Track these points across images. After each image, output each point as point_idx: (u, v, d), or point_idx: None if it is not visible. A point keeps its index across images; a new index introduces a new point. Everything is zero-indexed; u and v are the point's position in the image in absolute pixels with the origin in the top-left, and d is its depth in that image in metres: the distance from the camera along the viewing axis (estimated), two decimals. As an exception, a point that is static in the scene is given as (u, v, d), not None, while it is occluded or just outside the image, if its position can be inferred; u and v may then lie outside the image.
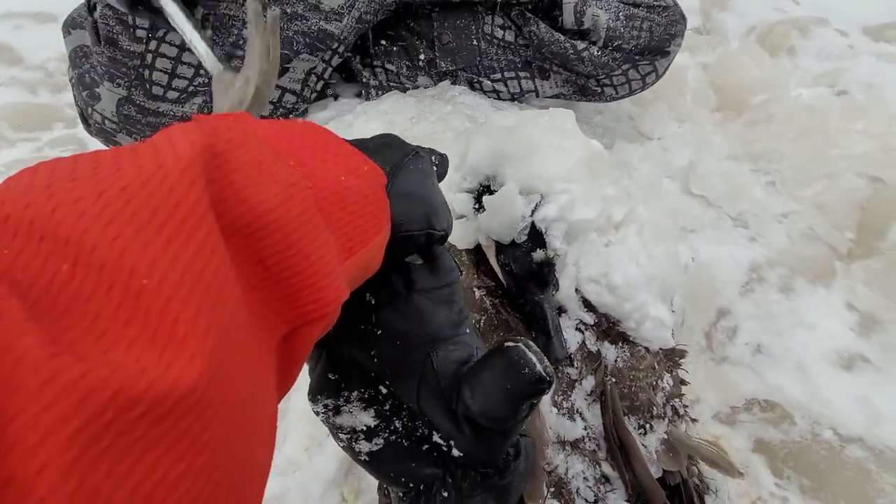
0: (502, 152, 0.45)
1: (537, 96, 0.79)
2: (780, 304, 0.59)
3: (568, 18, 0.67)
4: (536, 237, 0.43)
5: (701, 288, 0.60)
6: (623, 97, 0.78)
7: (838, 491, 0.46)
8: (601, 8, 0.67)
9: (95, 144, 0.84)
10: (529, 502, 0.38)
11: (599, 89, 0.76)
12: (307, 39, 0.65)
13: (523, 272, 0.43)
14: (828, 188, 0.72)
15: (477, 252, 0.51)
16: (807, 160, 0.76)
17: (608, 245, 0.47)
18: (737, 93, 0.88)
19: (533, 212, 0.43)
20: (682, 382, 0.51)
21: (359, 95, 0.81)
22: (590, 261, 0.46)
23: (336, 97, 0.82)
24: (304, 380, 0.26)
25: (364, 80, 0.79)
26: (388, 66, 0.79)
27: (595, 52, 0.70)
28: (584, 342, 0.47)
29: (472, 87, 0.78)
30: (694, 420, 0.52)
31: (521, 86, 0.77)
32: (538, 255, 0.42)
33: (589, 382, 0.45)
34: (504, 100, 0.79)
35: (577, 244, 0.45)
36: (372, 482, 0.45)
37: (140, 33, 0.59)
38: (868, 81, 0.89)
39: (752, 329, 0.59)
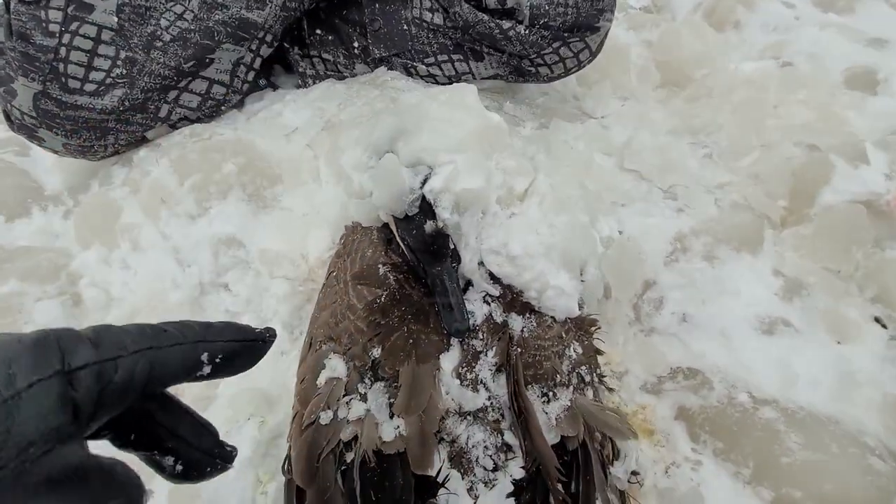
0: (400, 128, 0.46)
1: (474, 78, 0.79)
2: (703, 273, 0.60)
3: None
4: (428, 209, 0.43)
5: (628, 260, 0.60)
6: (560, 76, 0.78)
7: (748, 452, 0.47)
8: None
9: (24, 143, 0.84)
10: (418, 470, 0.38)
11: (534, 69, 0.76)
12: (228, 29, 0.66)
13: (418, 244, 0.44)
14: (763, 158, 0.72)
15: (389, 231, 0.51)
16: (744, 132, 0.76)
17: (511, 217, 0.47)
18: (679, 68, 0.88)
19: (422, 184, 0.43)
20: (598, 352, 0.52)
21: (299, 86, 0.81)
22: (492, 232, 0.47)
23: (275, 88, 0.82)
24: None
25: (301, 70, 0.80)
26: (325, 56, 0.79)
27: (522, 31, 0.70)
28: (490, 314, 0.47)
29: (408, 72, 0.78)
30: (610, 389, 0.52)
31: (455, 68, 0.77)
32: (429, 226, 0.43)
33: (494, 353, 0.46)
34: (441, 83, 0.79)
35: (475, 216, 0.45)
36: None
37: (53, 27, 0.59)
38: (811, 52, 0.89)
39: (677, 299, 0.59)
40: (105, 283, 0.65)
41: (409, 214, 0.44)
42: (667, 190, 0.69)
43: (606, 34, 0.75)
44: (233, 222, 0.63)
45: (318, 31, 0.78)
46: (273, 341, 0.30)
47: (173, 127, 0.69)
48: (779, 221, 0.67)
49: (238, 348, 0.28)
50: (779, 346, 0.55)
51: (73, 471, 0.19)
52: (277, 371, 0.58)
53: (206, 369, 0.26)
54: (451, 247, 0.44)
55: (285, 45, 0.78)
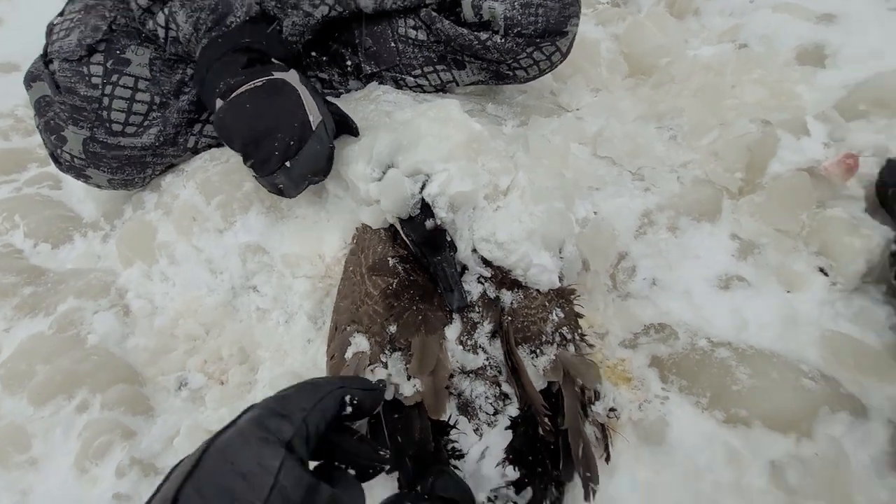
0: (398, 144, 0.55)
1: (458, 85, 0.87)
2: (668, 243, 0.69)
3: (468, 13, 0.75)
4: (427, 210, 0.52)
5: (602, 237, 0.69)
6: (536, 77, 0.86)
7: (706, 385, 0.56)
8: (496, 0, 0.75)
9: (67, 179, 0.93)
10: (433, 416, 0.48)
11: (511, 73, 0.84)
12: None
13: (421, 239, 0.53)
14: (721, 136, 0.80)
15: (394, 230, 0.61)
16: (704, 113, 0.84)
17: (497, 209, 0.57)
18: (645, 58, 0.96)
19: (421, 189, 0.52)
20: (578, 315, 0.61)
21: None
22: (482, 224, 0.56)
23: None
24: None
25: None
26: (321, 76, 0.88)
27: (498, 41, 0.77)
28: (485, 291, 0.57)
29: (397, 84, 0.87)
30: (591, 346, 0.62)
31: (440, 78, 0.85)
32: (429, 223, 0.52)
33: (490, 323, 0.55)
34: (428, 92, 0.87)
35: (466, 212, 0.54)
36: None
37: (95, 80, 0.69)
38: (764, 33, 0.97)
39: (647, 266, 0.68)
40: (148, 295, 0.74)
41: (412, 216, 0.53)
42: (635, 172, 0.78)
43: (575, 36, 0.82)
44: (256, 232, 0.73)
45: (314, 54, 0.87)
46: (385, 389, 0.38)
47: (196, 153, 0.78)
48: (736, 192, 0.76)
49: (363, 394, 0.37)
50: (734, 299, 0.64)
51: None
52: (307, 356, 0.68)
53: (349, 409, 0.35)
54: (449, 239, 0.53)
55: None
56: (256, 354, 0.70)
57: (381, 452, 0.37)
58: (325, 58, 0.87)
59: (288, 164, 0.60)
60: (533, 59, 0.81)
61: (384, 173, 0.54)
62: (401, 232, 0.56)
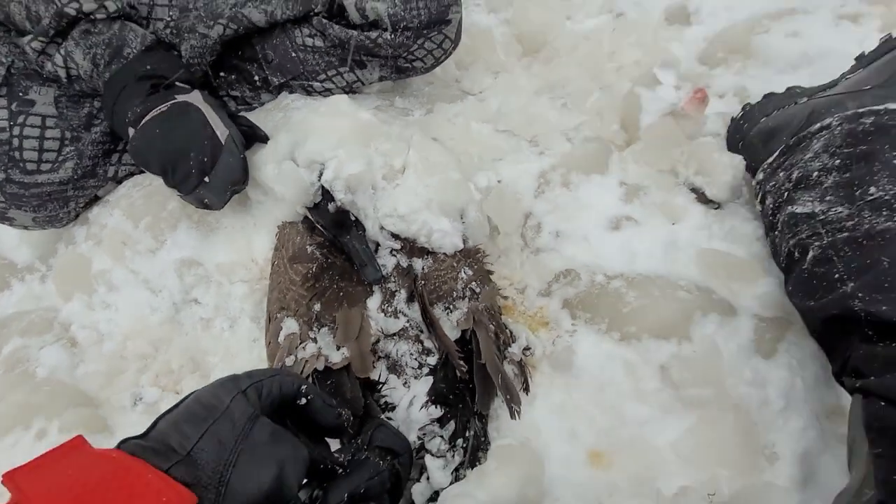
0: (295, 140, 0.60)
1: (364, 84, 0.93)
2: (565, 197, 0.77)
3: (354, 16, 0.80)
4: (328, 195, 0.58)
5: (508, 201, 0.76)
6: (434, 65, 0.92)
7: (604, 313, 0.64)
8: (377, 1, 0.80)
9: None
10: (360, 374, 0.53)
11: (409, 65, 0.90)
12: None
13: (328, 223, 0.59)
14: (603, 97, 0.89)
15: (310, 221, 0.66)
16: (587, 79, 0.94)
17: (396, 187, 0.63)
18: (534, 37, 1.04)
19: (319, 177, 0.58)
20: (489, 272, 0.68)
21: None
22: (384, 202, 0.62)
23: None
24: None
25: (215, 109, 0.92)
26: (233, 93, 0.92)
27: (388, 37, 0.83)
28: (398, 262, 0.63)
29: (307, 91, 0.91)
30: (504, 297, 0.69)
31: (345, 79, 0.91)
32: (331, 206, 0.58)
33: (406, 289, 0.61)
34: (337, 94, 0.93)
35: (366, 192, 0.60)
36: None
37: (2, 124, 0.71)
38: (636, 0, 1.07)
39: (550, 221, 0.76)
40: (93, 324, 0.77)
41: (316, 202, 0.58)
42: (531, 140, 0.85)
43: (460, 22, 0.88)
44: (188, 247, 0.76)
45: (222, 74, 0.91)
46: (345, 420, 0.42)
47: (119, 182, 0.81)
48: (623, 144, 0.85)
49: (319, 399, 0.40)
50: (625, 237, 0.72)
51: (271, 430, 0.33)
52: (254, 354, 0.72)
53: (303, 400, 0.39)
54: (353, 219, 0.59)
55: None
56: (206, 361, 0.74)
57: (345, 417, 0.42)
58: (233, 76, 0.91)
59: (207, 179, 0.65)
60: (425, 48, 0.87)
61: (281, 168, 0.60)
62: (312, 220, 0.62)
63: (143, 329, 0.75)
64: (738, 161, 0.74)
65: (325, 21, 0.83)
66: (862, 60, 0.72)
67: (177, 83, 0.72)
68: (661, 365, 0.59)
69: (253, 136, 0.72)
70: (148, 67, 0.70)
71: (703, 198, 0.77)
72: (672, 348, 0.59)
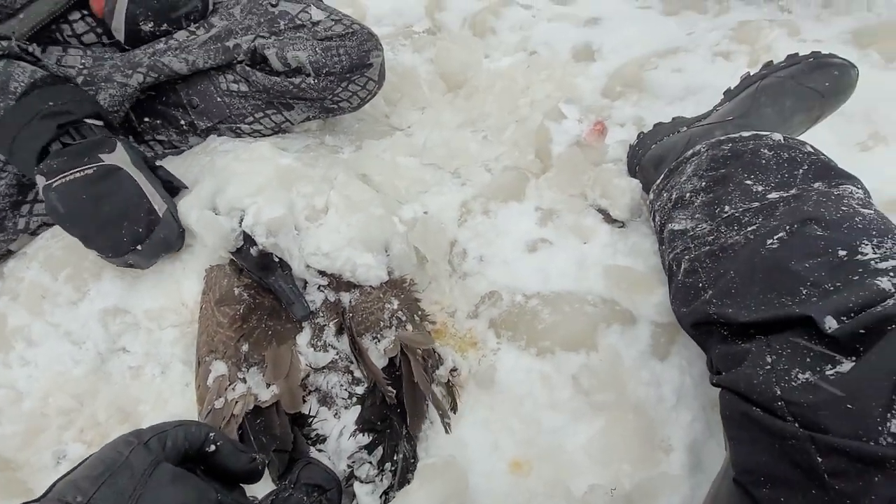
0: (216, 187, 0.62)
1: (291, 124, 0.96)
2: (485, 224, 0.83)
3: (275, 64, 0.84)
4: (249, 239, 0.60)
5: (434, 231, 0.81)
6: (361, 105, 0.97)
7: (523, 331, 0.70)
8: (298, 49, 0.85)
9: None
10: (290, 410, 0.55)
11: (336, 105, 0.94)
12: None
13: (252, 265, 0.61)
14: (518, 130, 0.97)
15: (236, 263, 0.68)
16: (505, 112, 1.02)
17: (320, 226, 0.66)
18: (455, 75, 1.12)
19: (240, 223, 0.60)
20: (416, 300, 0.72)
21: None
22: (308, 241, 0.65)
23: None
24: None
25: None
26: (159, 138, 0.92)
27: (312, 82, 0.87)
28: (326, 298, 0.66)
29: (236, 133, 0.94)
30: (432, 323, 0.73)
31: (273, 120, 0.93)
32: (254, 250, 0.60)
33: (334, 323, 0.64)
34: (267, 135, 0.95)
35: (289, 234, 0.63)
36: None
37: None
38: (547, 39, 1.18)
39: (474, 247, 0.82)
40: (10, 383, 0.74)
41: (238, 247, 0.60)
42: (453, 172, 0.92)
43: (382, 64, 0.94)
44: (113, 296, 0.75)
45: (146, 119, 0.91)
46: (260, 464, 0.41)
47: (34, 234, 0.79)
48: (539, 172, 0.93)
49: (229, 446, 0.40)
50: (540, 258, 0.79)
51: (173, 474, 0.34)
52: (187, 398, 0.72)
53: (212, 447, 0.39)
54: (277, 260, 0.62)
55: (121, 137, 0.90)
56: (137, 410, 0.73)
57: (259, 461, 0.43)
58: (158, 121, 0.91)
59: (139, 247, 0.65)
60: (349, 90, 0.92)
61: (199, 217, 0.62)
62: (238, 263, 0.64)
63: (65, 383, 0.73)
64: (636, 184, 0.84)
65: (248, 69, 0.86)
66: (728, 94, 0.84)
67: (87, 121, 0.71)
68: (573, 375, 0.65)
69: (173, 189, 0.73)
70: (50, 104, 0.68)
71: (608, 218, 0.85)
72: (581, 359, 0.65)
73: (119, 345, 0.75)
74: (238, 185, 0.59)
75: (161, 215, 0.66)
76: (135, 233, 0.63)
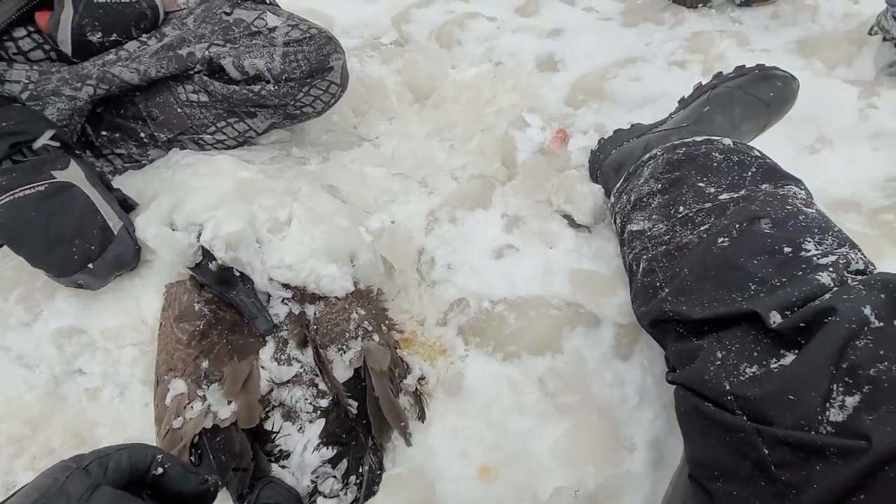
0: (173, 203, 0.61)
1: (256, 133, 0.95)
2: (452, 232, 0.83)
3: (232, 73, 0.83)
4: (209, 254, 0.59)
5: (401, 240, 0.81)
6: (325, 109, 0.94)
7: (490, 336, 0.70)
8: (255, 57, 0.84)
9: None
10: (245, 426, 0.54)
11: (299, 111, 0.92)
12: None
13: (212, 280, 0.60)
14: (485, 138, 0.99)
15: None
16: (472, 122, 1.03)
17: (282, 238, 0.65)
18: (423, 85, 1.13)
19: (198, 238, 0.59)
20: (384, 309, 0.72)
21: (104, 184, 0.91)
22: (271, 254, 0.64)
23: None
24: None
25: (99, 169, 0.89)
26: (118, 151, 0.90)
27: (272, 88, 0.86)
28: (290, 310, 0.65)
29: (199, 145, 0.92)
30: (400, 332, 0.73)
31: (236, 129, 0.92)
32: (213, 265, 0.59)
33: (298, 335, 0.63)
34: (231, 146, 0.94)
35: (250, 248, 0.62)
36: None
37: None
38: (512, 50, 1.20)
39: (441, 255, 0.82)
40: (-44, 411, 0.70)
41: (197, 262, 0.59)
42: (421, 181, 0.92)
43: (344, 66, 0.92)
44: (69, 315, 0.73)
45: (104, 133, 0.89)
46: (211, 486, 0.40)
47: (-17, 254, 0.76)
48: (505, 179, 0.94)
49: (178, 468, 0.38)
50: (507, 264, 0.80)
51: (113, 497, 0.32)
52: (146, 421, 0.69)
53: (159, 469, 0.37)
54: (238, 274, 0.61)
55: (76, 152, 0.88)
56: (94, 434, 0.70)
57: (210, 484, 0.41)
58: (117, 135, 0.89)
59: (91, 265, 0.63)
60: (312, 95, 0.90)
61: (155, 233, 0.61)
62: (198, 279, 0.63)
63: (16, 409, 0.70)
64: (598, 189, 0.85)
65: (206, 79, 0.85)
66: (682, 102, 0.87)
67: (42, 141, 0.69)
68: (539, 378, 0.65)
69: (127, 207, 0.71)
70: (3, 125, 0.67)
71: (573, 223, 0.87)
72: (547, 362, 0.66)
73: (75, 366, 0.72)
74: (196, 199, 0.58)
75: (116, 233, 0.64)
76: (86, 251, 0.61)
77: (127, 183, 0.82)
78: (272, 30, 0.84)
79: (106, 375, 0.72)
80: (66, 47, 0.76)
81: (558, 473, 0.57)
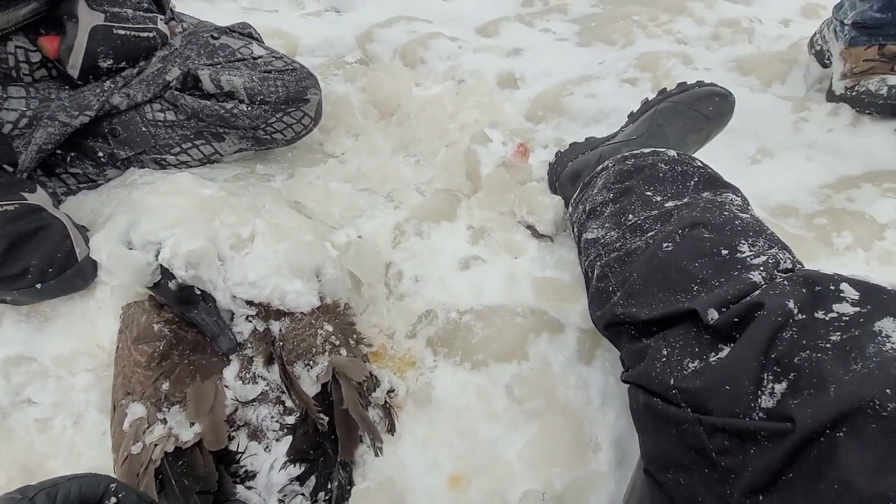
0: (130, 222, 0.60)
1: (221, 156, 0.94)
2: (418, 245, 0.85)
3: (208, 85, 0.83)
4: (168, 273, 0.58)
5: (368, 254, 0.82)
6: (295, 139, 0.97)
7: (458, 346, 0.71)
8: (234, 75, 0.84)
9: None
10: (212, 448, 0.53)
11: (269, 137, 0.93)
12: None
13: (172, 300, 0.59)
14: (449, 152, 1.01)
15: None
16: (436, 137, 1.06)
17: (245, 255, 0.65)
18: (387, 103, 1.15)
19: (157, 257, 0.58)
20: (351, 323, 0.72)
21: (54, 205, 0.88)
22: (234, 272, 0.63)
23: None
24: None
25: (51, 189, 0.86)
26: (73, 170, 0.88)
27: (245, 108, 0.86)
28: (255, 328, 0.64)
29: (160, 165, 0.90)
30: (369, 346, 0.73)
31: (202, 151, 0.91)
32: (173, 284, 0.58)
33: (263, 353, 0.63)
34: (194, 167, 0.93)
35: (212, 265, 0.61)
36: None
37: None
38: (474, 68, 1.24)
39: (409, 268, 0.83)
40: None
41: (156, 281, 0.58)
42: (387, 195, 0.94)
43: (319, 102, 0.94)
44: (16, 342, 0.69)
45: (59, 152, 0.86)
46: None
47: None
48: (470, 193, 0.97)
49: (133, 496, 0.38)
50: (473, 275, 0.81)
51: None
52: (102, 450, 0.67)
53: (112, 499, 0.37)
54: (199, 292, 0.60)
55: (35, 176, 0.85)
56: (44, 467, 0.66)
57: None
58: (73, 153, 0.87)
59: (39, 286, 0.62)
60: (284, 122, 0.92)
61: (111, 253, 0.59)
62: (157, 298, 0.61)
63: (-42, 445, 0.65)
64: (558, 200, 0.89)
65: (176, 93, 0.84)
66: (632, 117, 0.92)
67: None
68: (506, 385, 0.67)
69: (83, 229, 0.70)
70: None
71: (536, 233, 0.90)
72: (514, 368, 0.68)
73: (23, 396, 0.69)
74: (154, 217, 0.57)
75: (80, 259, 0.64)
76: (43, 272, 0.60)
77: (81, 203, 0.79)
78: (256, 58, 0.85)
79: (58, 404, 0.69)
80: (74, 71, 0.76)
81: (527, 477, 0.58)
